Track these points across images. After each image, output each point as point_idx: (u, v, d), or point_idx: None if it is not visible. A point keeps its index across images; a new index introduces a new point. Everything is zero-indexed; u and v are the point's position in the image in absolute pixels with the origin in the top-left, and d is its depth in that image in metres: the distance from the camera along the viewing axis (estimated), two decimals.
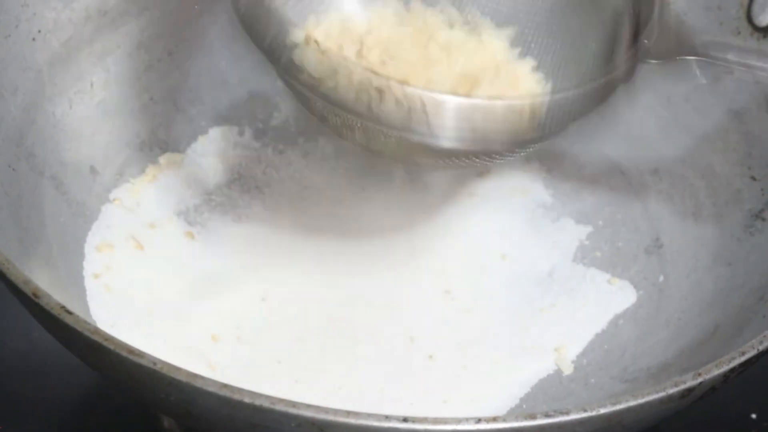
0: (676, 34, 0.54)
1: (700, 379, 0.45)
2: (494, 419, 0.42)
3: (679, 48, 0.54)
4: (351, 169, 0.71)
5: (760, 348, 0.47)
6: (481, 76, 0.57)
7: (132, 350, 0.43)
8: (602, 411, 0.43)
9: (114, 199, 0.65)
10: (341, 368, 0.59)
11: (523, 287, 0.65)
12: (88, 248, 0.62)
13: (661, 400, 0.44)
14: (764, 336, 0.47)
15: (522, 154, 0.62)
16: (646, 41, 0.53)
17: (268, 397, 0.41)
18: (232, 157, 0.70)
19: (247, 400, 0.41)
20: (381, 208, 0.69)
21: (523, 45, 0.60)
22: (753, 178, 0.63)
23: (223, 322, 0.61)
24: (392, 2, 0.61)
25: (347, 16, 0.59)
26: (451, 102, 0.52)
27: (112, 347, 0.43)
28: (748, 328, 0.55)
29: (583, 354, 0.61)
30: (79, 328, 0.44)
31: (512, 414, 0.56)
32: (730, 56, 0.54)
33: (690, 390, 0.45)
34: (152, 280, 0.62)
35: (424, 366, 0.60)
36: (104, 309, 0.59)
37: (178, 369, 0.42)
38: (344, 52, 0.56)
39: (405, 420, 0.41)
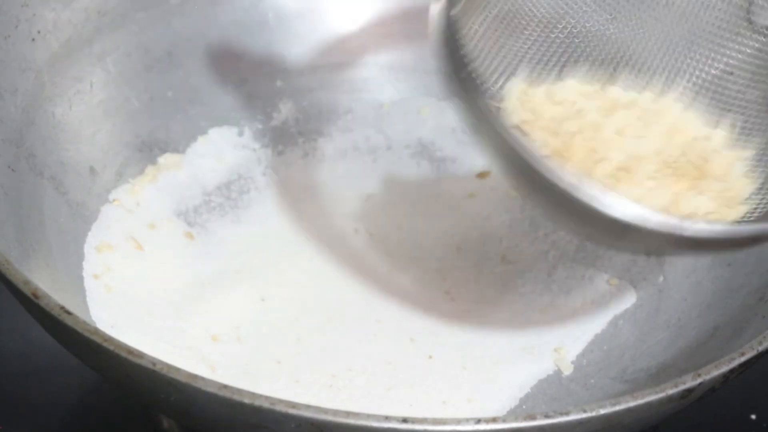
0: None
1: (699, 380, 0.45)
2: (494, 420, 0.42)
3: None
4: (351, 170, 0.71)
5: (760, 348, 0.47)
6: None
7: (131, 350, 0.43)
8: (602, 411, 0.43)
9: (113, 200, 0.65)
10: (341, 369, 0.59)
11: (523, 287, 0.65)
12: (88, 249, 0.62)
13: (660, 401, 0.44)
14: (764, 336, 0.47)
15: None
16: None
17: (267, 397, 0.41)
18: (231, 157, 0.70)
19: (247, 400, 0.41)
20: (381, 209, 0.69)
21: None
22: None
23: (222, 322, 0.61)
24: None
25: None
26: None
27: (111, 347, 0.43)
28: (748, 328, 0.55)
29: (583, 354, 0.61)
30: (78, 329, 0.44)
31: (512, 414, 0.56)
32: None
33: (690, 390, 0.44)
34: (152, 280, 0.62)
35: (424, 366, 0.60)
36: (104, 309, 0.59)
37: (178, 369, 0.42)
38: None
39: (405, 420, 0.41)
